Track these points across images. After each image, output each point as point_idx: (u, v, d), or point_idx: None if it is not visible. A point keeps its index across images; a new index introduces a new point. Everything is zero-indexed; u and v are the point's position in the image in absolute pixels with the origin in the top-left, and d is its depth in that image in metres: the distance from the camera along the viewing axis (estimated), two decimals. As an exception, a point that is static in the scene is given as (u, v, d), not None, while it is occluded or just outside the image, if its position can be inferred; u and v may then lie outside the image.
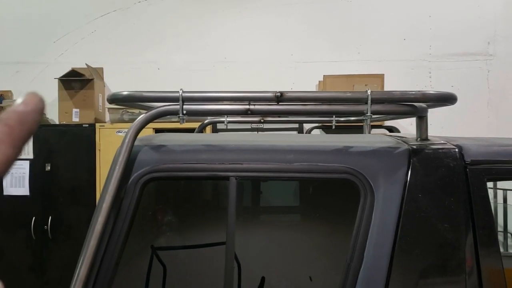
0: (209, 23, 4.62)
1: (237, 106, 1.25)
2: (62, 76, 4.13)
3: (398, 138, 1.37)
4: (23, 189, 4.05)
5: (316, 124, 3.87)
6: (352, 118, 2.21)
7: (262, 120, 2.35)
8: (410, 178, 1.19)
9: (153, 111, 1.25)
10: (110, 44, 4.62)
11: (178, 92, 1.25)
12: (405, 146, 1.25)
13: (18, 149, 0.34)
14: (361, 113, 1.23)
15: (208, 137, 1.40)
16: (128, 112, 4.13)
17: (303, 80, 4.49)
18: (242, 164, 1.23)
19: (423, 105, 1.27)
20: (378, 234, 1.15)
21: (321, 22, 4.59)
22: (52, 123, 4.46)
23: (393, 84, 4.21)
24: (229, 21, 4.62)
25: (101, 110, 4.36)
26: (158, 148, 1.29)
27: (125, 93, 1.33)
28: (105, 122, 4.28)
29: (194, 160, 1.26)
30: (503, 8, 4.45)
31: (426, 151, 1.23)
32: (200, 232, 1.46)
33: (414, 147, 1.25)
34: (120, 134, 4.03)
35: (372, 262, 1.14)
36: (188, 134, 1.52)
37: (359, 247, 1.15)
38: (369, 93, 1.20)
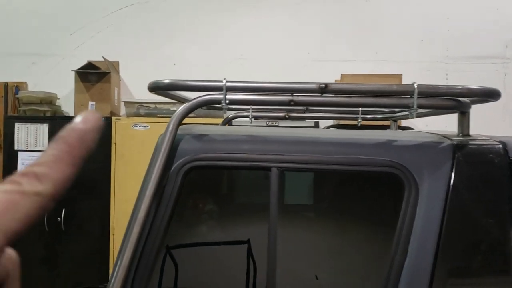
0: (226, 19, 4.62)
1: (280, 97, 1.25)
2: (79, 69, 4.13)
3: (438, 134, 1.36)
4: (38, 181, 4.05)
5: (333, 123, 3.86)
6: (379, 116, 2.20)
7: (286, 116, 2.34)
8: (454, 173, 1.18)
9: (196, 100, 1.25)
10: (126, 38, 4.62)
11: (221, 81, 1.25)
12: (449, 141, 1.25)
13: (76, 167, 0.34)
14: (406, 107, 1.23)
15: (248, 129, 1.40)
16: (144, 106, 4.13)
17: (319, 79, 4.43)
18: (284, 155, 1.23)
19: (467, 100, 1.27)
20: (423, 228, 1.15)
21: (338, 21, 4.58)
22: (66, 115, 4.47)
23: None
24: (246, 18, 4.61)
25: (116, 104, 4.36)
26: (200, 137, 1.28)
27: (167, 81, 1.32)
28: (120, 116, 4.28)
29: (236, 150, 1.25)
30: (521, 12, 4.44)
31: (470, 146, 1.23)
32: (238, 223, 1.46)
33: (458, 142, 1.24)
34: (136, 128, 4.04)
35: (417, 256, 1.13)
36: (227, 126, 1.52)
37: (403, 241, 1.15)
38: (415, 86, 1.20)
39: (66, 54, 4.62)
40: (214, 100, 1.26)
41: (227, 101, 1.26)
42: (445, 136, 1.32)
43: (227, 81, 1.25)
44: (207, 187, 1.56)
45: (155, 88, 1.32)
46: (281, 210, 1.20)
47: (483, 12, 4.44)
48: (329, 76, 4.38)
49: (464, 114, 1.31)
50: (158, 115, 4.10)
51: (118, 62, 4.50)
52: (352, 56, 4.55)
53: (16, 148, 4.04)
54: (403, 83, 3.90)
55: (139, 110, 4.13)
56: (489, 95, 1.22)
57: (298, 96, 1.23)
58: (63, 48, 4.62)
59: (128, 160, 4.01)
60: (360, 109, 2.20)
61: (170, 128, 1.21)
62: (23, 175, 0.33)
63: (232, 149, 1.26)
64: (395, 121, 2.24)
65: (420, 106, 1.22)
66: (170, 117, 3.75)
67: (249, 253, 1.81)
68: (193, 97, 1.30)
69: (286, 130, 1.34)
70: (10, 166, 4.04)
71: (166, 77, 4.02)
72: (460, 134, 1.32)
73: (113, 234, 4.02)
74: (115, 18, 4.64)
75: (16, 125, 4.04)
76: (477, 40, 4.46)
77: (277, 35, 4.60)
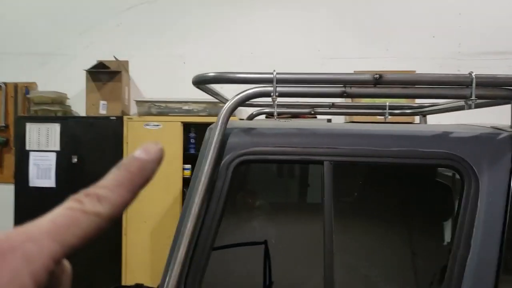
0: (236, 17, 4.58)
1: (333, 89, 1.22)
2: (90, 68, 4.09)
3: (489, 126, 1.33)
4: (49, 181, 4.01)
5: (348, 120, 3.83)
6: (408, 111, 2.17)
7: (312, 112, 2.31)
8: (515, 165, 1.15)
9: (247, 92, 1.22)
10: (136, 37, 4.58)
11: (271, 73, 1.22)
12: (506, 133, 1.22)
13: (134, 195, 0.37)
14: (463, 97, 1.20)
15: (297, 123, 1.36)
16: (155, 105, 4.09)
17: (331, 76, 4.44)
18: (337, 148, 1.20)
19: (522, 90, 1.23)
20: (486, 221, 1.12)
21: (348, 18, 4.55)
22: (76, 115, 4.42)
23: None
24: (255, 16, 4.58)
25: (126, 103, 4.32)
26: (249, 131, 1.25)
27: (212, 74, 1.29)
28: (129, 115, 4.24)
29: (287, 144, 1.22)
30: (533, 7, 4.42)
31: (529, 137, 1.20)
32: (292, 217, 1.43)
33: (516, 133, 1.21)
34: (148, 127, 4.00)
35: (480, 250, 1.10)
36: (275, 120, 1.48)
37: (465, 235, 1.12)
38: (473, 76, 1.16)
39: (75, 53, 4.57)
40: (264, 93, 1.22)
41: (277, 93, 1.23)
42: (498, 128, 1.29)
43: (277, 73, 1.22)
44: (258, 182, 1.53)
45: (201, 81, 1.29)
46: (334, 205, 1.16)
47: (495, 8, 4.41)
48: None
49: (518, 104, 1.28)
50: (169, 114, 4.06)
51: (127, 61, 4.46)
52: (363, 53, 4.52)
53: (27, 148, 4.00)
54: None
55: (150, 109, 4.09)
56: (547, 84, 1.19)
57: (351, 87, 1.20)
58: (72, 48, 4.58)
59: (141, 160, 3.96)
60: (387, 103, 2.17)
61: (220, 122, 1.18)
62: (86, 195, 0.35)
63: (283, 142, 1.22)
64: (424, 116, 2.21)
65: (479, 97, 1.18)
66: (181, 115, 3.72)
67: (266, 254, 1.78)
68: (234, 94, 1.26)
69: (336, 124, 1.30)
70: (22, 166, 4.00)
71: (176, 76, 4.00)
72: (514, 126, 1.29)
73: (125, 234, 3.98)
74: (124, 17, 4.59)
75: (28, 125, 4.00)
76: (489, 35, 4.43)
77: (288, 32, 4.57)
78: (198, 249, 1.14)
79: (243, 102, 1.22)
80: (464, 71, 3.87)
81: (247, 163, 1.22)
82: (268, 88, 1.22)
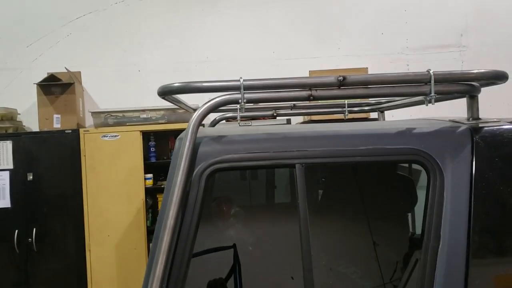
0: (189, 23, 4.56)
1: (299, 93, 1.24)
2: (41, 81, 3.96)
3: (448, 120, 1.39)
4: (4, 201, 3.85)
5: (305, 119, 3.88)
6: (367, 108, 2.23)
7: (274, 114, 2.33)
8: (475, 156, 1.21)
9: (215, 101, 1.22)
10: (87, 47, 4.47)
11: (238, 80, 1.23)
12: (465, 126, 1.28)
13: None
14: (423, 94, 1.25)
15: (266, 127, 1.38)
16: (111, 115, 4.01)
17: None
18: (307, 150, 1.22)
19: (476, 84, 1.30)
20: (452, 212, 1.17)
21: (301, 20, 4.62)
22: (28, 130, 4.27)
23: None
24: (209, 20, 4.57)
25: (81, 115, 4.21)
26: (220, 139, 1.25)
27: (178, 84, 1.28)
28: (85, 127, 4.14)
29: (258, 149, 1.23)
30: (472, 1, 4.63)
31: (486, 129, 1.26)
32: (269, 220, 1.44)
33: (473, 126, 1.27)
34: (106, 138, 3.91)
35: (450, 240, 1.15)
36: (243, 126, 1.49)
37: (434, 227, 1.17)
38: (431, 73, 1.22)
39: (23, 67, 4.41)
40: (232, 100, 1.23)
41: (245, 100, 1.24)
42: (456, 121, 1.35)
43: (244, 80, 1.23)
44: (230, 189, 1.53)
45: (166, 92, 1.28)
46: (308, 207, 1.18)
47: (438, 3, 4.60)
48: (296, 74, 4.40)
49: (474, 98, 1.35)
50: (127, 124, 3.99)
51: (80, 72, 4.34)
52: (316, 53, 4.60)
53: (-22, 168, 3.82)
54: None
55: (107, 119, 4.01)
56: (499, 77, 1.26)
57: (317, 90, 1.23)
58: (20, 61, 4.42)
59: (100, 172, 3.88)
60: (346, 102, 2.23)
61: (189, 132, 1.17)
62: None
63: (254, 148, 1.23)
64: (382, 112, 2.28)
65: (437, 93, 1.24)
66: (139, 124, 3.65)
67: (236, 256, 1.80)
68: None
69: (305, 127, 1.33)
70: (-27, 187, 3.81)
71: (132, 84, 3.94)
72: (471, 118, 1.36)
73: (89, 250, 3.88)
74: (74, 27, 4.48)
75: (-23, 144, 3.83)
76: (434, 30, 4.62)
77: (241, 36, 4.59)
78: (176, 261, 1.13)
79: (212, 110, 1.22)
80: (412, 65, 4.03)
81: (219, 171, 1.22)
82: (236, 95, 1.23)
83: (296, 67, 4.49)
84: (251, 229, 1.51)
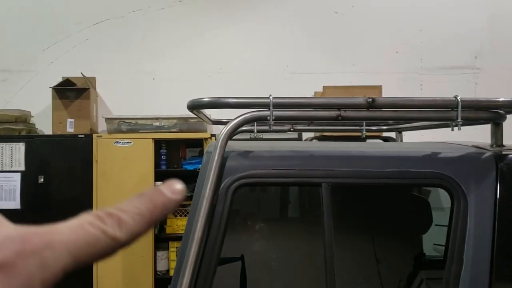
0: (204, 33, 4.60)
1: (327, 113, 1.26)
2: (56, 85, 4.00)
3: (471, 145, 1.41)
4: (14, 203, 3.88)
5: (317, 134, 3.90)
6: (385, 128, 2.24)
7: (291, 129, 2.35)
8: (500, 182, 1.22)
9: (244, 117, 1.24)
10: (103, 53, 4.52)
11: (268, 98, 1.25)
12: (490, 152, 1.29)
13: (150, 228, 0.36)
14: (450, 119, 1.26)
15: (295, 144, 1.39)
16: (125, 122, 4.04)
17: (299, 91, 4.51)
18: (334, 170, 1.24)
19: (502, 111, 1.31)
20: (476, 237, 1.18)
21: (315, 35, 4.66)
22: (40, 133, 4.31)
23: (387, 96, 4.30)
24: (224, 32, 4.62)
25: (94, 120, 4.24)
26: (247, 154, 1.27)
27: (207, 99, 1.30)
28: (98, 133, 4.17)
29: (285, 166, 1.25)
30: (487, 24, 4.66)
31: (511, 156, 1.27)
32: (292, 239, 1.45)
33: (498, 152, 1.29)
34: (118, 145, 3.94)
35: (473, 265, 1.16)
36: (272, 141, 1.51)
37: (457, 251, 1.17)
38: (459, 100, 1.23)
39: (39, 70, 4.46)
40: (261, 117, 1.25)
41: (274, 117, 1.25)
42: (480, 147, 1.36)
43: (274, 98, 1.25)
44: (258, 204, 1.55)
45: (196, 106, 1.30)
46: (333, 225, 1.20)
47: (453, 24, 4.64)
48: (309, 88, 4.45)
49: (498, 125, 1.36)
50: (140, 131, 4.02)
51: (94, 77, 4.39)
52: (330, 69, 4.63)
53: (-10, 169, 3.86)
54: (383, 94, 4.00)
55: (120, 126, 4.03)
56: (525, 106, 1.27)
57: (345, 110, 1.24)
58: (36, 64, 4.47)
59: (111, 178, 3.90)
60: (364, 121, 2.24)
61: (219, 146, 1.19)
62: (109, 215, 0.34)
63: (281, 165, 1.25)
64: (400, 132, 2.29)
65: (464, 119, 1.25)
66: (152, 132, 3.68)
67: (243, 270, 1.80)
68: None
69: (332, 145, 1.34)
70: (-16, 188, 3.84)
71: (146, 92, 3.97)
72: (494, 145, 1.37)
73: (96, 255, 3.88)
74: (91, 32, 4.53)
75: (-10, 145, 3.86)
76: (448, 51, 4.64)
77: (255, 49, 4.63)
78: (202, 275, 1.14)
79: (241, 126, 1.24)
80: (426, 85, 4.04)
81: (245, 186, 1.23)
82: (265, 113, 1.25)
83: (310, 81, 4.52)
84: (275, 244, 1.52)
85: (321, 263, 1.18)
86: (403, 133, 2.35)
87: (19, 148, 3.90)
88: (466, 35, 4.64)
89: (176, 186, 0.37)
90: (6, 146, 3.88)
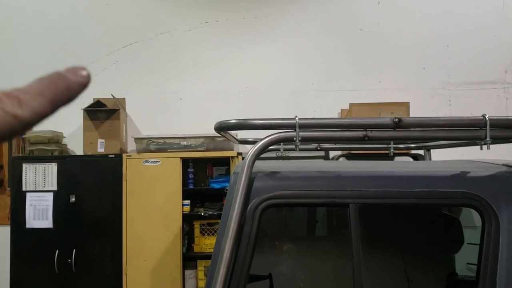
0: (230, 53, 4.67)
1: (354, 133, 1.26)
2: (87, 107, 4.12)
3: (501, 164, 1.38)
4: (47, 222, 3.97)
5: (345, 152, 3.88)
6: (413, 145, 2.22)
7: (318, 148, 2.35)
8: (532, 202, 1.20)
9: (271, 138, 1.25)
10: (132, 74, 4.63)
11: (293, 119, 1.26)
12: (521, 171, 1.27)
13: (54, 109, 0.36)
14: (478, 138, 1.25)
15: (321, 164, 1.40)
16: (153, 141, 4.12)
17: (325, 109, 4.53)
18: (361, 190, 1.23)
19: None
20: (509, 258, 1.15)
21: (340, 52, 4.67)
22: (72, 153, 4.42)
23: (414, 113, 4.25)
24: (249, 51, 4.67)
25: (124, 141, 4.33)
26: (274, 175, 1.28)
27: (234, 121, 1.33)
28: (127, 152, 4.25)
29: (312, 187, 1.25)
30: (517, 38, 4.59)
31: (542, 174, 1.25)
32: (320, 259, 1.44)
33: (529, 171, 1.26)
34: (147, 164, 4.01)
35: (506, 286, 1.13)
36: (298, 160, 1.52)
37: (490, 272, 1.15)
38: (487, 118, 1.22)
39: (71, 92, 4.58)
40: (287, 138, 1.26)
41: (300, 138, 1.27)
42: (511, 166, 1.34)
43: (300, 119, 1.26)
44: (285, 224, 1.55)
45: (223, 128, 1.32)
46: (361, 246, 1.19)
47: (481, 39, 4.57)
48: (335, 106, 4.45)
49: (529, 143, 1.33)
50: (168, 150, 4.08)
51: (124, 98, 4.50)
52: (356, 86, 4.62)
53: (24, 189, 3.97)
54: (410, 110, 3.96)
55: (149, 145, 4.11)
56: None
57: (372, 131, 1.24)
58: (68, 86, 4.59)
59: (139, 197, 3.96)
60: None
61: (246, 166, 1.21)
62: (7, 95, 0.34)
63: (308, 186, 1.25)
64: (428, 150, 2.27)
65: (492, 137, 1.24)
66: (180, 151, 3.72)
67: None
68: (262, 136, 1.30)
69: (359, 165, 1.34)
70: (18, 207, 3.95)
71: (173, 112, 4.03)
72: (525, 163, 1.34)
73: (126, 274, 3.93)
74: (120, 55, 4.65)
75: (24, 165, 3.98)
76: (477, 66, 4.57)
77: (281, 67, 4.66)
78: (230, 295, 1.15)
79: (267, 147, 1.26)
80: (454, 101, 3.98)
81: (272, 207, 1.24)
82: (291, 134, 1.26)
83: (336, 99, 4.52)
84: (302, 264, 1.52)
85: (349, 283, 1.17)
86: (432, 150, 2.32)
87: (52, 169, 4.00)
88: (495, 50, 4.57)
89: (79, 70, 0.38)
90: (39, 167, 3.99)
